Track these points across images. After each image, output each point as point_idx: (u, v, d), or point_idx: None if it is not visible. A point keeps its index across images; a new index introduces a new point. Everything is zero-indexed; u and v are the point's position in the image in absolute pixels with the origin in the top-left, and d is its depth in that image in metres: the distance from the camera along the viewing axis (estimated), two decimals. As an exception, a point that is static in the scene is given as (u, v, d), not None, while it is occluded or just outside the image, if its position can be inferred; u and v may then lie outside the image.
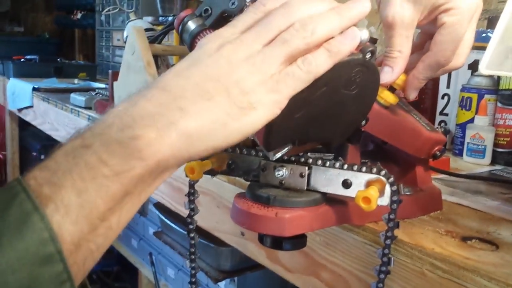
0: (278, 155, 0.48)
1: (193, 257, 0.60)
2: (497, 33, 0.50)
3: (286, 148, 0.48)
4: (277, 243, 0.51)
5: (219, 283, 1.29)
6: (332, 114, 0.47)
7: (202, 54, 0.41)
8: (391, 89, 0.55)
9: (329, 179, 0.50)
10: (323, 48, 0.41)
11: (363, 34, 0.44)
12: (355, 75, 0.45)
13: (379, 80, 0.49)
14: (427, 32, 0.58)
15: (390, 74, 0.53)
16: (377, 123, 0.55)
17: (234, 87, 0.39)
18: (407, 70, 0.56)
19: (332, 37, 0.41)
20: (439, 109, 1.07)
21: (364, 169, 0.48)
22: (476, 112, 0.94)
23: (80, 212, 0.34)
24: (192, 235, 0.59)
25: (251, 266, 1.27)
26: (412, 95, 0.57)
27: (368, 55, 0.45)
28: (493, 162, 0.94)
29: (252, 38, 0.41)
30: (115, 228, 0.37)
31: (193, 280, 0.61)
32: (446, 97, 1.06)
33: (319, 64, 0.41)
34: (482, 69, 0.50)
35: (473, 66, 1.00)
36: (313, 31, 0.40)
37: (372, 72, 0.47)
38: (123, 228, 0.38)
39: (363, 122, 0.53)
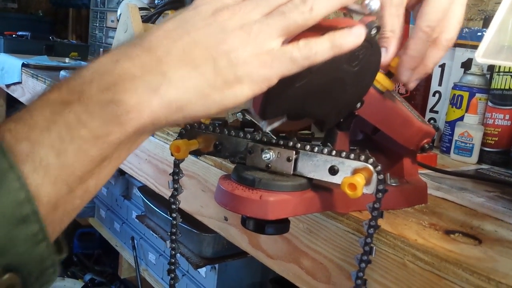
0: (271, 126, 0.47)
1: (174, 237, 0.59)
2: (494, 25, 0.49)
3: (280, 121, 0.47)
4: (260, 226, 0.50)
5: (199, 270, 1.29)
6: (331, 90, 0.47)
7: (195, 16, 0.39)
8: (389, 74, 0.54)
9: (316, 164, 0.49)
10: (327, 38, 0.41)
11: (374, 4, 0.43)
12: (359, 50, 0.44)
13: (380, 60, 0.48)
14: None
15: (384, 54, 0.52)
16: (371, 107, 0.54)
17: (223, 57, 0.38)
18: None
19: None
20: (429, 106, 1.07)
21: (352, 156, 0.47)
22: (466, 111, 0.94)
23: (59, 174, 0.33)
24: (174, 215, 0.58)
25: (233, 254, 1.27)
26: (406, 74, 0.53)
27: (373, 31, 0.44)
28: (480, 161, 0.94)
29: (251, 7, 0.40)
30: (92, 191, 0.36)
31: (173, 260, 0.61)
32: (437, 95, 1.06)
33: (319, 52, 0.40)
34: (478, 57, 0.49)
35: (466, 64, 1.00)
36: (312, 7, 0.40)
37: (375, 50, 0.46)
38: (100, 189, 0.37)
39: (358, 105, 0.52)
